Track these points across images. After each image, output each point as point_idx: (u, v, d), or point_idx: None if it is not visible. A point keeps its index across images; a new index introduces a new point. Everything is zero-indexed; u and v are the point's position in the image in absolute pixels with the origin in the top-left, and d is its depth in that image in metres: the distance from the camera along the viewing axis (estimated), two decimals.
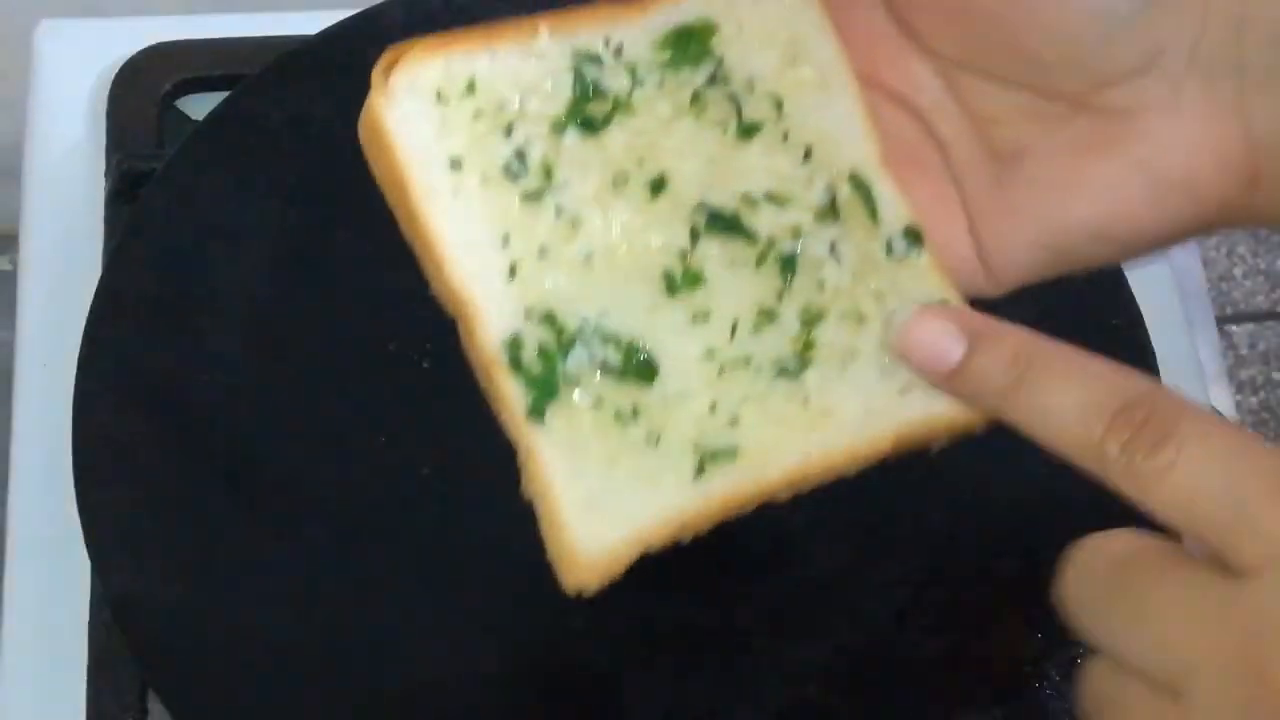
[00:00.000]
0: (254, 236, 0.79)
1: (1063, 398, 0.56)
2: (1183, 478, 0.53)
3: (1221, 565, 0.52)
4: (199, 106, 0.86)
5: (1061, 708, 0.71)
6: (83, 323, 0.77)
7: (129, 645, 0.72)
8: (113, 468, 0.74)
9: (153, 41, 0.89)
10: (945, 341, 0.59)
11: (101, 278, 0.79)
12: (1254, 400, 1.55)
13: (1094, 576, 0.55)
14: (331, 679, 0.72)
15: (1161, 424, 0.54)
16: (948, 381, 0.59)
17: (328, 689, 0.72)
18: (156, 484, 0.74)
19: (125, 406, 0.75)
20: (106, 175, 0.85)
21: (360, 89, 0.83)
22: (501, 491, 0.74)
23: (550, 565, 0.65)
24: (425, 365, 0.78)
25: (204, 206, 0.80)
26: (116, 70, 0.88)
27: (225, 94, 0.84)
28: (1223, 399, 0.93)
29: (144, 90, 0.87)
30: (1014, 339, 0.58)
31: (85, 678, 0.74)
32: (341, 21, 0.85)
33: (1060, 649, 0.72)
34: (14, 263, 0.87)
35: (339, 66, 0.83)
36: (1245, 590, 0.51)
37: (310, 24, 0.85)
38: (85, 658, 0.75)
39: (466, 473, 0.75)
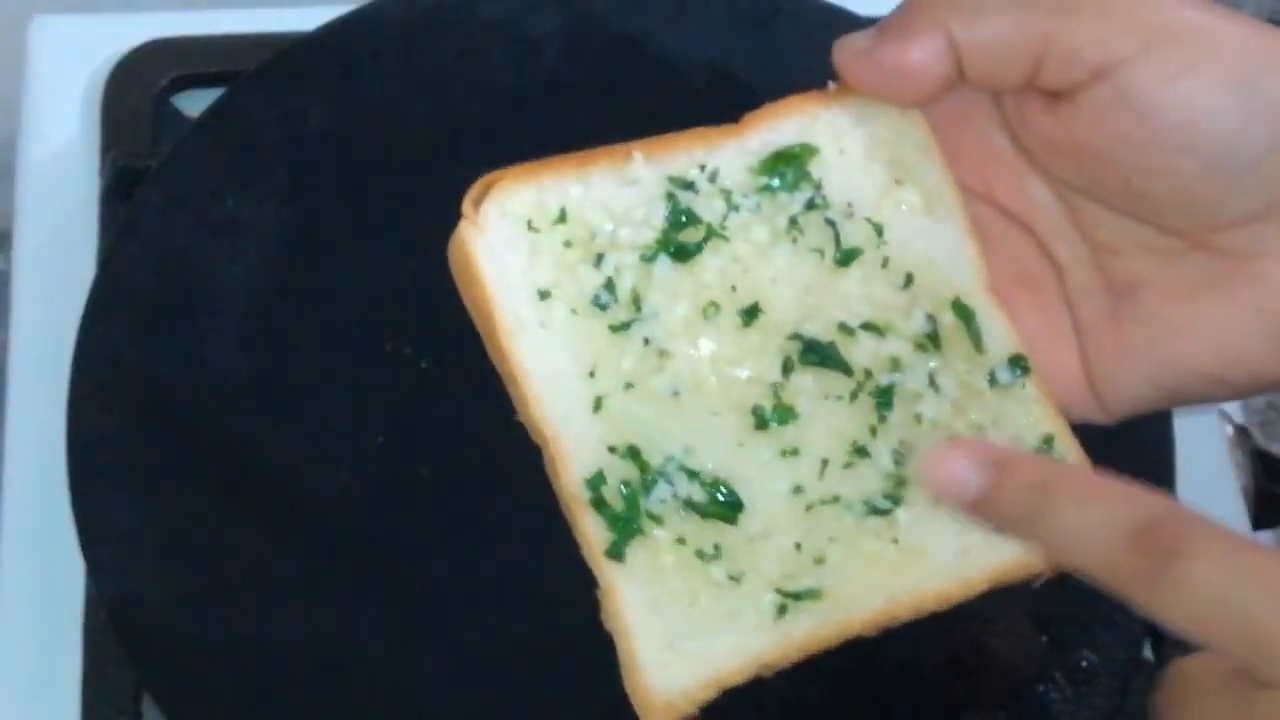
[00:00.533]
0: (250, 234, 0.79)
1: (1082, 521, 0.56)
2: (1196, 596, 0.53)
3: (1250, 677, 0.52)
4: (194, 103, 0.86)
5: (1066, 711, 0.71)
6: (78, 321, 0.77)
7: (123, 647, 0.72)
8: (107, 468, 0.74)
9: (148, 38, 0.88)
10: (965, 473, 0.58)
11: (96, 276, 0.78)
12: (1260, 400, 1.55)
13: (1164, 697, 0.55)
14: (327, 681, 0.71)
15: (1176, 542, 0.54)
16: (973, 511, 0.58)
17: (322, 691, 0.71)
18: (151, 485, 0.74)
19: (120, 406, 0.75)
20: (101, 173, 0.84)
21: (357, 86, 0.83)
22: (500, 492, 0.74)
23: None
24: (424, 365, 0.77)
25: (200, 204, 0.79)
26: (111, 67, 0.87)
27: (221, 91, 0.83)
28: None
29: (139, 87, 0.87)
30: (1031, 467, 0.58)
31: (79, 680, 0.74)
32: (338, 18, 0.84)
33: (1065, 652, 0.72)
34: (8, 260, 0.86)
35: (336, 63, 0.83)
36: (1262, 702, 0.52)
37: (307, 20, 0.85)
38: (79, 660, 0.74)
39: (465, 473, 0.75)
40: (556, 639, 0.72)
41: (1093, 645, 0.72)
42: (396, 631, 0.72)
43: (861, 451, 0.60)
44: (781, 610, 0.59)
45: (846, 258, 0.62)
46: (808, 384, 0.60)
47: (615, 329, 0.60)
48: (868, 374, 0.61)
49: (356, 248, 0.79)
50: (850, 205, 0.62)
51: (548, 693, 0.72)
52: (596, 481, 0.59)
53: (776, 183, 0.62)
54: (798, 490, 0.60)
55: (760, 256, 0.61)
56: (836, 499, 0.60)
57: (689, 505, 0.59)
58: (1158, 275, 0.61)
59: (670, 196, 0.61)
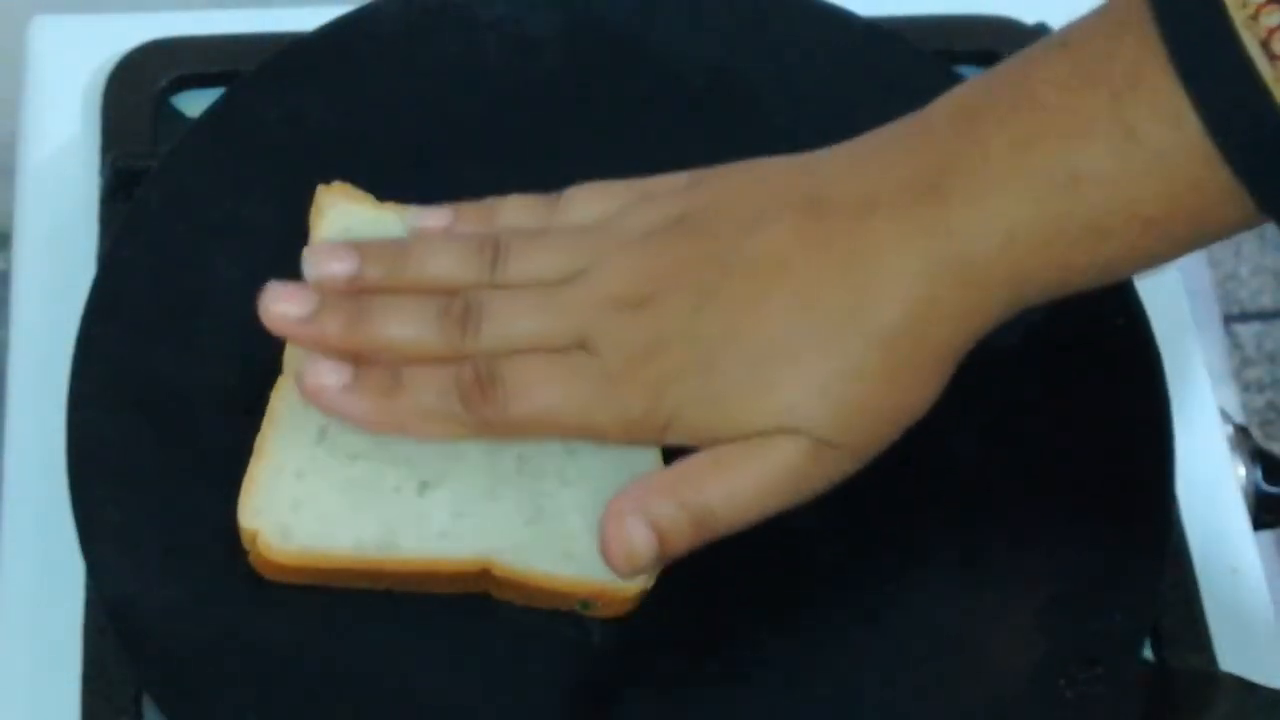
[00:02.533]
0: (250, 235, 0.79)
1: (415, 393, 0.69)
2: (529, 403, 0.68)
3: None
4: (195, 104, 0.86)
5: (1064, 709, 0.71)
6: (78, 321, 0.76)
7: (124, 648, 0.72)
8: (107, 469, 0.73)
9: (148, 38, 0.88)
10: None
11: (96, 277, 0.78)
12: (1260, 400, 1.55)
13: None
14: (328, 683, 0.71)
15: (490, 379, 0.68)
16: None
17: (323, 692, 0.71)
18: (152, 485, 0.73)
19: (120, 407, 0.75)
20: (101, 173, 0.84)
21: (358, 86, 0.83)
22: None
23: None
24: None
25: (200, 205, 0.79)
26: (111, 67, 0.87)
27: (221, 91, 0.83)
28: (1229, 399, 0.92)
29: (139, 87, 0.87)
30: None
31: (79, 681, 0.74)
32: (339, 18, 0.84)
33: (1064, 651, 0.72)
34: (8, 261, 0.86)
35: (336, 63, 0.83)
36: None
37: (307, 20, 0.85)
38: (79, 661, 0.74)
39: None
40: (556, 644, 0.72)
41: (1092, 644, 0.72)
42: (396, 632, 0.72)
43: None
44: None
45: None
46: None
47: None
48: None
49: None
50: None
51: (551, 691, 0.72)
52: None
53: None
54: None
55: None
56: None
57: None
58: None
59: None
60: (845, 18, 0.85)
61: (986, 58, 0.89)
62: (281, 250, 0.78)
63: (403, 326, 0.69)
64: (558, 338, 0.69)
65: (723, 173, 0.71)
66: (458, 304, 0.69)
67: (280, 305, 0.70)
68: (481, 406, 0.68)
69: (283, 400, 0.73)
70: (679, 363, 0.67)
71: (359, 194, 0.77)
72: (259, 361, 0.75)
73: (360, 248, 0.72)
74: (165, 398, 0.75)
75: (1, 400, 0.82)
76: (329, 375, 0.69)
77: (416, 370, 0.69)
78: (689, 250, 0.69)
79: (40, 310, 0.83)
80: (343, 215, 0.77)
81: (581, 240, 0.71)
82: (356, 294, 0.70)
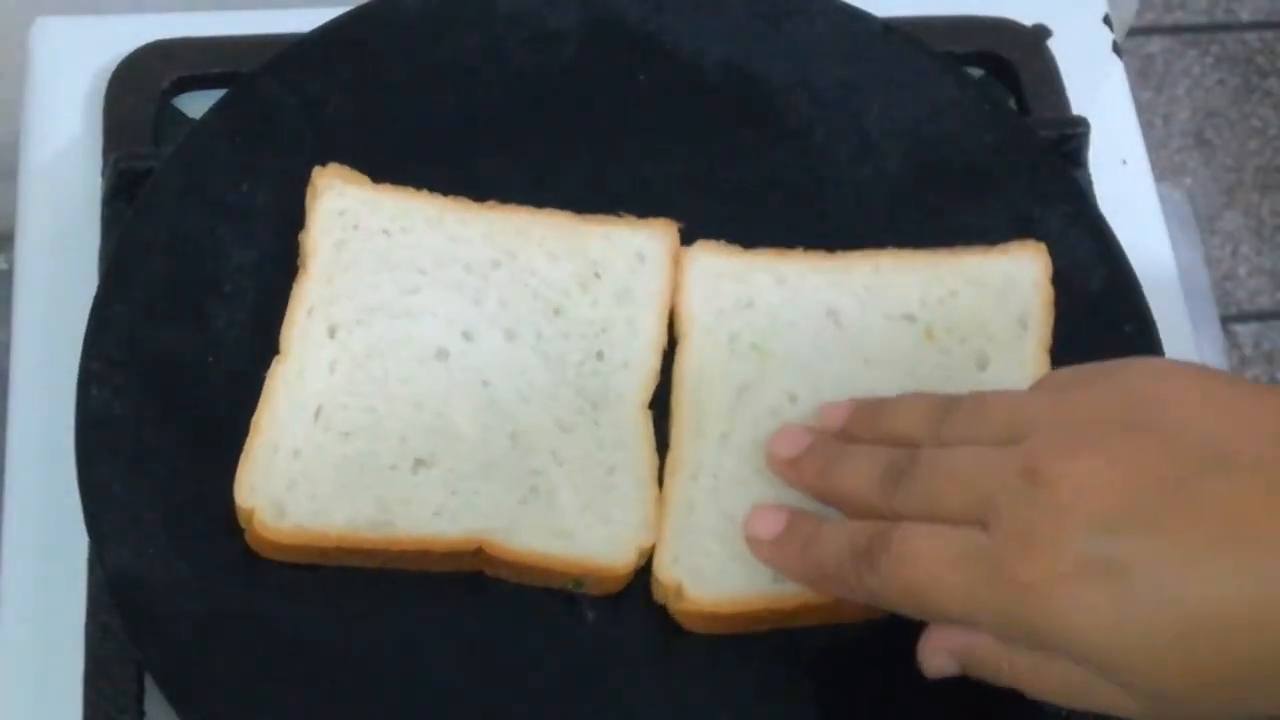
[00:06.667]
0: (265, 220, 0.79)
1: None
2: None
3: None
4: (196, 104, 0.86)
5: (1061, 711, 0.71)
6: (80, 321, 0.76)
7: (126, 626, 0.72)
8: (114, 447, 0.74)
9: (150, 39, 0.88)
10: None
11: (110, 258, 0.78)
12: None
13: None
14: (322, 659, 0.71)
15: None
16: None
17: (318, 669, 0.71)
18: (158, 464, 0.74)
19: (129, 386, 0.75)
20: (103, 174, 0.84)
21: (375, 76, 0.83)
22: None
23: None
24: None
25: (215, 189, 0.79)
26: (113, 68, 0.88)
27: (222, 92, 0.83)
28: None
29: (141, 88, 0.87)
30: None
31: (82, 679, 0.74)
32: (358, 8, 0.85)
33: None
34: (10, 261, 0.86)
35: (355, 53, 0.84)
36: None
37: (308, 22, 0.85)
38: (82, 658, 0.74)
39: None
40: (557, 642, 0.72)
41: None
42: (398, 613, 0.72)
43: None
44: None
45: None
46: None
47: None
48: None
49: None
50: None
51: (543, 668, 0.72)
52: None
53: None
54: None
55: None
56: None
57: None
58: None
59: None
60: (860, 17, 0.86)
61: (986, 59, 0.90)
62: (291, 234, 0.78)
63: (855, 479, 0.69)
64: (966, 508, 0.65)
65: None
66: (901, 459, 0.68)
67: (777, 446, 0.73)
68: (867, 573, 0.66)
69: (279, 379, 0.74)
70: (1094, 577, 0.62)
71: (354, 175, 0.78)
72: (268, 344, 0.75)
73: (854, 405, 0.73)
74: (174, 379, 0.75)
75: (4, 400, 0.82)
76: (762, 528, 0.71)
77: (830, 529, 0.69)
78: (1153, 468, 0.63)
79: (42, 309, 0.84)
80: (338, 197, 0.77)
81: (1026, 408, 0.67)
82: (836, 441, 0.72)
